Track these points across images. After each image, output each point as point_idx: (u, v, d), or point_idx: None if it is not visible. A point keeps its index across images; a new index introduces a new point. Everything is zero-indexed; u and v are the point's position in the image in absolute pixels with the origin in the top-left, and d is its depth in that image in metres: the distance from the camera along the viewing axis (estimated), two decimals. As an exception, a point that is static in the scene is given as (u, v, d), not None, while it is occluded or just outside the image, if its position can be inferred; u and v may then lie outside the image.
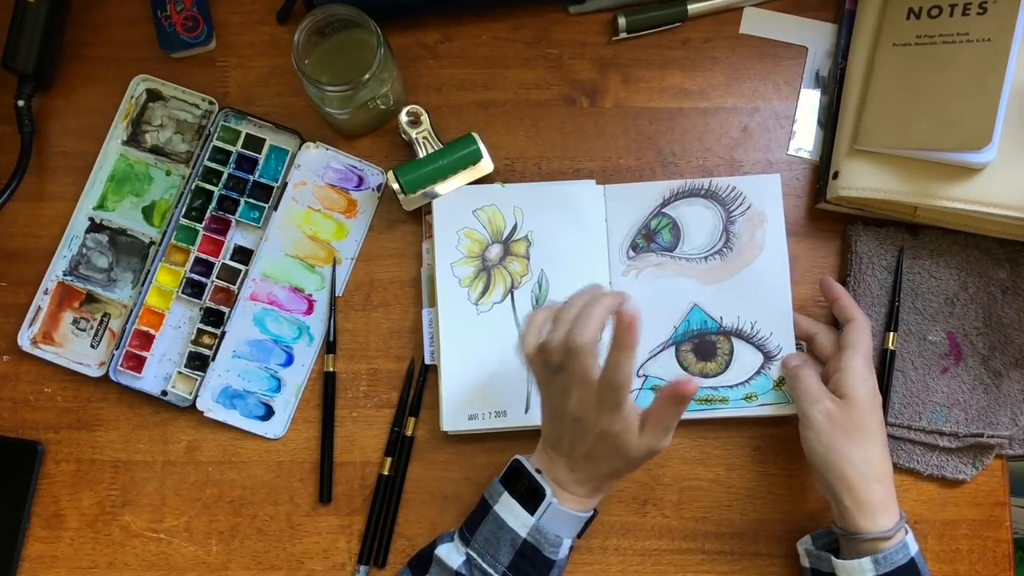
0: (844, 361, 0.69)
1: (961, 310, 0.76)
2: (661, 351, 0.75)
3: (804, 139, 0.80)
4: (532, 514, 0.65)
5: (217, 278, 0.78)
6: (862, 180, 0.73)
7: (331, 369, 0.77)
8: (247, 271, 0.78)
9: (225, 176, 0.79)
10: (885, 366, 0.75)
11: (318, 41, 0.74)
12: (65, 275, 0.79)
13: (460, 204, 0.77)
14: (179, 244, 0.78)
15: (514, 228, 0.77)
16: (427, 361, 0.77)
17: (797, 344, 0.75)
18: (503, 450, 0.76)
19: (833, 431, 0.67)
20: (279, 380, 0.78)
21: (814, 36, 0.81)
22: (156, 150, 0.80)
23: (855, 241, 0.77)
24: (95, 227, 0.79)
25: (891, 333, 0.76)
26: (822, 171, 0.78)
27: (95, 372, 0.77)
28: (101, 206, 0.79)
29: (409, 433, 0.76)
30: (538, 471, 0.66)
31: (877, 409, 0.69)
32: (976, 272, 0.76)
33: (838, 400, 0.68)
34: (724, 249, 0.76)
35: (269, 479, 0.77)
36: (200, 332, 0.78)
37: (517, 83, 0.81)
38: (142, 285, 0.78)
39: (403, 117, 0.78)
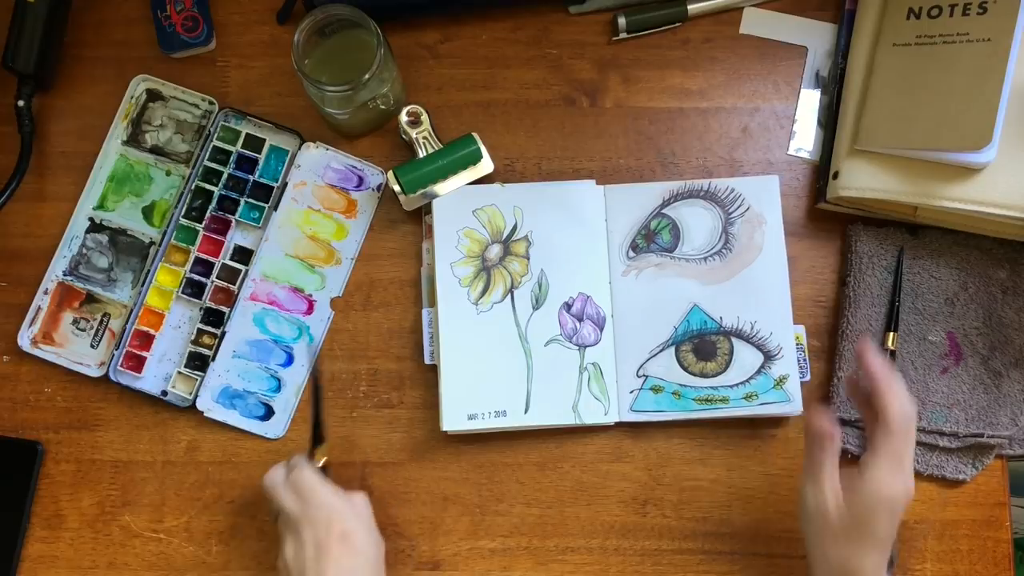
0: (865, 470, 0.61)
1: (961, 310, 0.76)
2: (661, 351, 0.75)
3: (804, 139, 0.80)
4: None
5: (217, 278, 0.78)
6: (862, 180, 0.73)
7: (320, 465, 0.71)
8: (247, 271, 0.78)
9: (225, 176, 0.79)
10: (885, 366, 0.75)
11: (318, 41, 0.74)
12: (65, 275, 0.79)
13: (460, 204, 0.77)
14: (179, 244, 0.78)
15: (514, 228, 0.77)
16: (427, 361, 0.77)
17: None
18: (503, 450, 0.77)
19: (822, 530, 0.62)
20: (279, 380, 0.78)
21: (814, 36, 0.81)
22: (156, 150, 0.80)
23: (855, 241, 0.77)
24: (95, 227, 0.79)
25: (891, 333, 0.76)
26: (822, 171, 0.78)
27: (95, 372, 0.77)
28: (101, 206, 0.79)
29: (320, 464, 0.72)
30: None
31: (892, 513, 0.61)
32: (976, 272, 0.76)
33: (841, 505, 0.62)
34: (723, 250, 0.76)
35: (269, 479, 0.77)
36: (200, 332, 0.78)
37: (517, 83, 0.81)
38: (142, 285, 0.78)
39: (403, 117, 0.78)
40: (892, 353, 0.75)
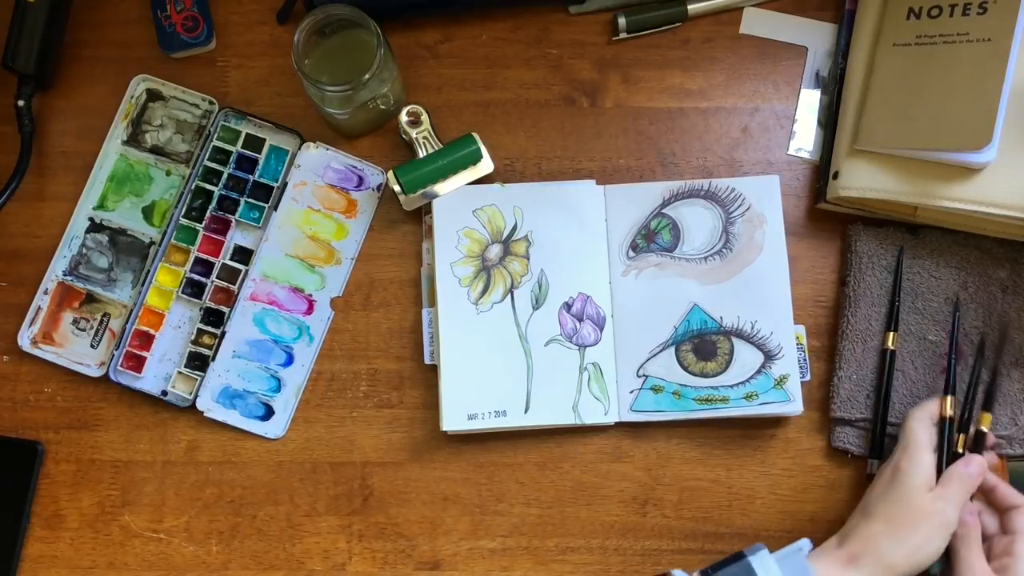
0: (1017, 546, 0.66)
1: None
2: (661, 351, 0.75)
3: (804, 139, 0.80)
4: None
5: (217, 278, 0.78)
6: (862, 180, 0.73)
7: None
8: (247, 271, 0.78)
9: (225, 176, 0.79)
10: (885, 366, 0.75)
11: (318, 41, 0.74)
12: (65, 275, 0.79)
13: (460, 204, 0.77)
14: (179, 244, 0.78)
15: (514, 228, 0.77)
16: (427, 361, 0.77)
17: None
18: (503, 450, 0.77)
19: None
20: (279, 380, 0.78)
21: (814, 36, 0.81)
22: (156, 150, 0.80)
23: (855, 241, 0.77)
24: (95, 227, 0.79)
25: (891, 333, 0.76)
26: (822, 171, 0.78)
27: (95, 372, 0.77)
28: (101, 206, 0.79)
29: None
30: None
31: None
32: (976, 272, 0.76)
33: None
34: (724, 250, 0.76)
35: (269, 479, 0.77)
36: (200, 332, 0.78)
37: (517, 83, 0.81)
38: (142, 285, 0.78)
39: (403, 117, 0.78)
40: (892, 353, 0.75)
